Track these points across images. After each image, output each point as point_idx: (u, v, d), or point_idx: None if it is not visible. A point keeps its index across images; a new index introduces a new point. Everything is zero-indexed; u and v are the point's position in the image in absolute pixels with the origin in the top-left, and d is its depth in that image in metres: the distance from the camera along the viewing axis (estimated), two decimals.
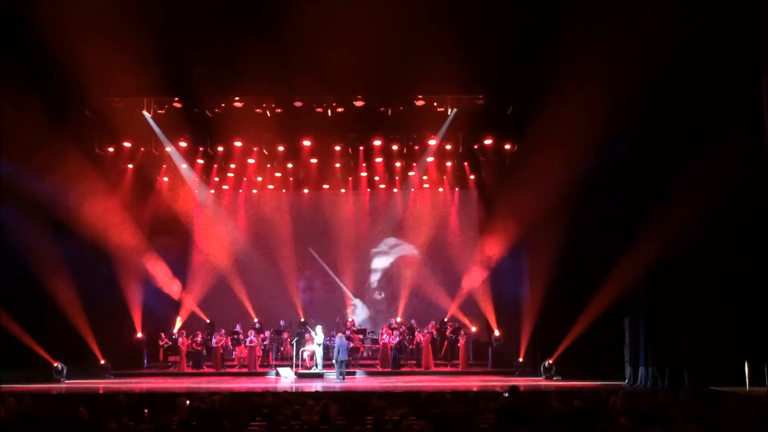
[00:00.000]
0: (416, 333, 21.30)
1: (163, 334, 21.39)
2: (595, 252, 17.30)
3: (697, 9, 13.32)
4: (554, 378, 18.25)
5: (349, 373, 19.18)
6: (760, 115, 13.99)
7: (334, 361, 18.81)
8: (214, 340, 20.81)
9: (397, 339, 20.69)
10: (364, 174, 22.79)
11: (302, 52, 15.27)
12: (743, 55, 14.10)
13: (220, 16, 15.08)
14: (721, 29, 13.80)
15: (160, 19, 14.86)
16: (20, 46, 15.27)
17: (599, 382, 16.79)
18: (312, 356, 20.12)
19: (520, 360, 19.73)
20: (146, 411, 10.69)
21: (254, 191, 24.25)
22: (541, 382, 18.00)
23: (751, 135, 14.18)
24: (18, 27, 14.75)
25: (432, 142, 20.32)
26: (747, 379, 14.86)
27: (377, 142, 20.49)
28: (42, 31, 14.26)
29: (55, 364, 18.35)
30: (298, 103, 18.38)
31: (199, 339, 20.93)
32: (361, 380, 19.10)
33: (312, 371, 19.34)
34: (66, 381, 18.18)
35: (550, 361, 18.53)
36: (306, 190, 24.36)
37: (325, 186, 23.81)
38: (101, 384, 17.79)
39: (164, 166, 21.75)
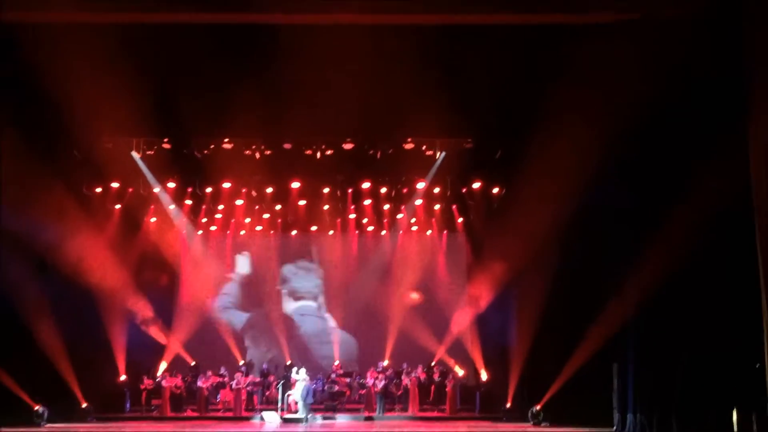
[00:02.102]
0: (403, 377, 21.08)
1: (144, 377, 21.04)
2: (584, 296, 17.24)
3: (685, 51, 13.49)
4: (542, 424, 18.04)
5: (330, 418, 18.95)
6: (745, 154, 14.04)
7: (301, 404, 18.68)
8: (199, 382, 20.54)
9: (383, 383, 20.46)
10: (352, 216, 22.79)
11: (292, 94, 15.37)
12: (730, 95, 14.24)
13: (210, 57, 15.13)
14: (707, 73, 13.96)
15: (150, 60, 14.91)
16: (8, 85, 15.25)
17: (588, 429, 16.64)
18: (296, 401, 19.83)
19: (508, 405, 19.53)
20: None
21: (242, 232, 24.16)
22: (529, 428, 17.81)
23: (738, 176, 14.22)
24: (7, 65, 14.74)
25: (420, 185, 20.41)
26: (735, 427, 14.72)
27: (366, 185, 20.57)
28: (31, 70, 14.26)
29: (36, 407, 17.97)
30: (287, 145, 18.48)
31: (179, 382, 20.65)
32: (344, 426, 18.83)
33: (297, 416, 19.05)
34: (47, 425, 17.81)
35: (538, 407, 18.33)
36: (294, 232, 24.29)
37: (314, 228, 23.76)
38: (82, 428, 17.46)
39: (152, 206, 21.68)
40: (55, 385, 18.63)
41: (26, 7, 13.46)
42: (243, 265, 24.27)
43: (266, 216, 22.94)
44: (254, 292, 23.97)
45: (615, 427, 16.71)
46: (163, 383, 20.44)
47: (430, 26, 14.43)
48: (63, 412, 18.67)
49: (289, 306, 24.23)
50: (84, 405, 19.24)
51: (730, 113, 13.83)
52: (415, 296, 21.95)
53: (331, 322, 24.06)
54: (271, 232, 23.96)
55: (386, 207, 22.26)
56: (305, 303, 24.23)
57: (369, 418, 19.76)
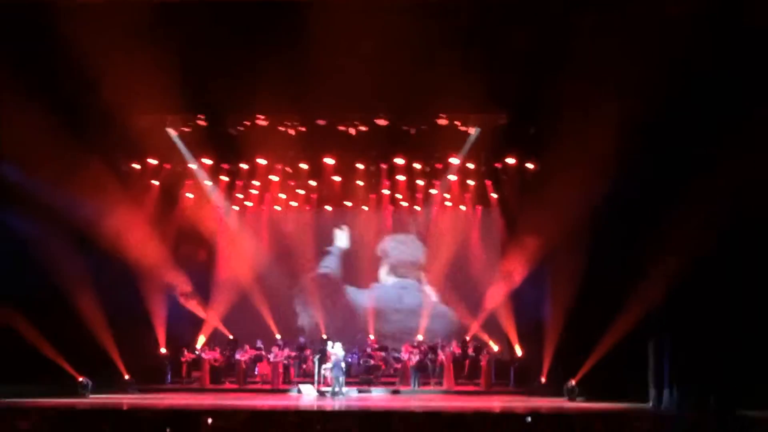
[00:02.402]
0: (438, 352, 21.21)
1: (185, 350, 21.48)
2: (619, 271, 17.14)
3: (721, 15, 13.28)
4: (577, 399, 18.05)
5: (365, 391, 19.23)
6: None
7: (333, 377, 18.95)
8: (237, 356, 20.92)
9: (418, 357, 20.62)
10: (386, 192, 22.84)
11: (325, 70, 15.39)
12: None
13: (245, 34, 15.23)
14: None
15: (184, 38, 15.03)
16: (46, 64, 15.50)
17: (623, 404, 16.60)
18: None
19: (543, 380, 19.57)
20: (169, 430, 10.74)
21: (277, 208, 24.35)
22: (564, 403, 17.80)
23: None
24: (46, 45, 14.98)
25: (454, 161, 20.33)
26: None
27: (399, 161, 20.55)
28: (68, 49, 14.48)
29: (80, 379, 18.46)
30: (321, 122, 18.53)
31: (218, 355, 21.04)
32: (380, 399, 19.05)
33: (333, 389, 19.28)
34: (91, 396, 18.30)
35: (573, 382, 18.33)
36: (329, 207, 24.43)
37: (348, 203, 23.86)
38: (125, 399, 17.90)
39: (188, 182, 21.95)
40: (98, 358, 19.13)
41: None
42: (342, 238, 24.48)
43: (301, 192, 23.07)
44: (289, 266, 24.16)
45: (651, 403, 16.66)
46: (203, 356, 20.85)
47: (466, 1, 14.34)
48: (106, 383, 19.15)
49: (389, 279, 24.40)
50: (126, 377, 19.74)
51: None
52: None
53: (432, 296, 24.11)
54: (306, 207, 24.07)
55: (420, 183, 22.24)
56: (405, 278, 24.37)
57: (396, 392, 19.95)
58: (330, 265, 24.31)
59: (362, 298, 24.05)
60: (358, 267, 24.10)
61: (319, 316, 23.68)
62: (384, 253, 24.30)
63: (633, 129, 14.95)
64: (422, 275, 24.09)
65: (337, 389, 18.72)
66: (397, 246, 24.39)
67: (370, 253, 24.14)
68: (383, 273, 24.23)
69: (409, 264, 24.31)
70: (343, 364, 19.35)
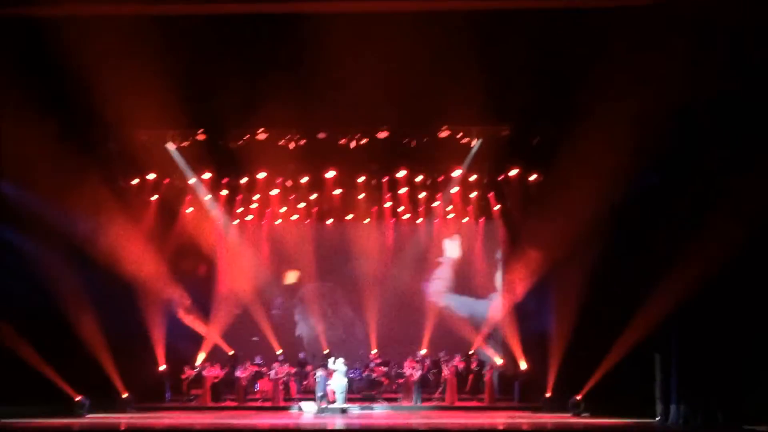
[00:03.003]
0: (441, 366, 20.94)
1: (186, 367, 21.21)
2: (624, 285, 16.94)
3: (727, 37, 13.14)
4: (583, 415, 17.78)
5: (368, 408, 19.10)
6: None
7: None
8: (237, 372, 20.66)
9: (420, 372, 20.36)
10: (388, 205, 22.67)
11: (325, 83, 15.31)
12: None
13: (243, 48, 15.14)
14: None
15: (183, 52, 14.94)
16: (44, 79, 15.37)
17: (630, 420, 16.36)
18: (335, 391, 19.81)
19: (548, 395, 19.30)
20: None
21: (278, 222, 24.16)
22: (569, 419, 17.56)
23: None
24: (44, 59, 14.87)
25: (456, 173, 20.18)
26: None
27: (401, 173, 20.41)
28: (68, 64, 14.36)
29: (77, 398, 18.19)
30: (321, 135, 18.38)
31: (219, 372, 20.80)
32: (382, 416, 18.78)
33: (335, 406, 19.02)
34: (88, 415, 18.01)
35: (579, 397, 18.07)
36: (330, 221, 24.24)
37: (349, 217, 23.67)
38: (123, 419, 17.63)
39: (188, 197, 21.78)
40: (96, 376, 18.82)
41: (60, 1, 13.58)
42: (452, 249, 24.23)
43: (301, 205, 22.89)
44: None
45: (658, 418, 16.41)
46: (204, 373, 20.60)
47: (465, 12, 14.22)
48: (103, 402, 18.86)
49: None
50: (124, 395, 19.44)
51: None
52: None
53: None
54: (307, 221, 23.89)
55: (422, 195, 22.05)
56: None
57: (407, 408, 19.66)
58: (442, 275, 23.95)
59: (481, 308, 23.61)
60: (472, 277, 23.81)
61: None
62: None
63: (638, 140, 14.78)
64: None
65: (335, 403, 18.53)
66: None
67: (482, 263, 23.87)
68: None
69: None
70: (345, 380, 19.16)
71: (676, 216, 15.77)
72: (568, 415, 17.99)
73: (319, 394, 19.03)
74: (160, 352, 21.01)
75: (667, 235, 15.92)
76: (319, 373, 19.37)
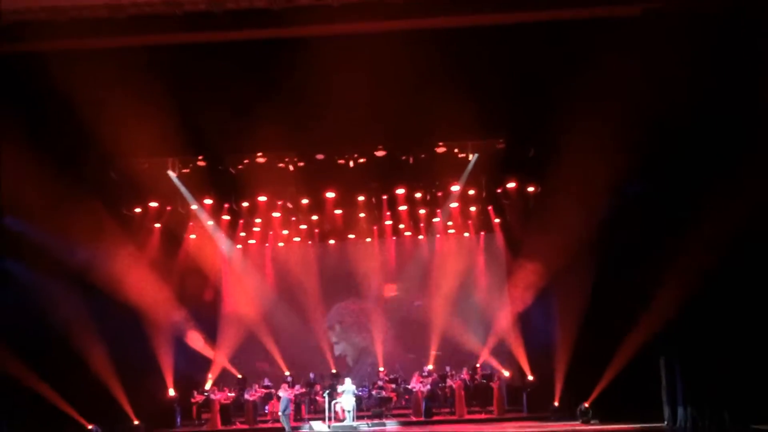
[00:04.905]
0: (448, 380, 21.03)
1: (195, 392, 21.32)
2: (627, 291, 17.07)
3: (713, 51, 13.36)
4: (591, 422, 17.86)
5: (378, 424, 19.20)
6: None
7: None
8: (247, 395, 20.75)
9: (428, 387, 20.44)
10: (388, 222, 22.86)
11: (321, 105, 15.40)
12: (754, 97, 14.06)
13: (238, 73, 15.31)
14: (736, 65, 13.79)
15: (179, 80, 15.10)
16: (43, 111, 15.59)
17: (638, 425, 16.43)
18: (344, 409, 19.89)
19: (556, 404, 19.38)
20: None
21: (280, 244, 24.35)
22: (578, 426, 17.63)
23: None
24: (39, 90, 15.07)
25: (455, 188, 20.36)
26: None
27: (400, 191, 20.59)
28: (64, 94, 14.53)
29: (90, 427, 18.27)
30: (319, 156, 18.55)
31: (227, 395, 20.91)
32: (393, 431, 18.85)
33: (345, 424, 19.11)
34: None
35: (587, 405, 18.15)
36: (332, 241, 24.43)
37: (351, 236, 23.85)
38: None
39: (191, 223, 21.98)
40: (106, 404, 18.91)
41: (54, 36, 13.84)
42: None
43: (303, 227, 23.10)
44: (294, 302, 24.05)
45: (666, 422, 16.48)
46: (212, 396, 20.69)
47: (455, 29, 14.43)
48: (115, 430, 18.95)
49: None
50: (136, 422, 19.51)
51: (758, 106, 13.67)
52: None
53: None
54: (309, 242, 24.09)
55: (422, 212, 22.23)
56: None
57: (417, 423, 19.72)
58: None
59: (486, 320, 23.60)
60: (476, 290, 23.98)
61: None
62: None
63: (632, 149, 14.96)
64: None
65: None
66: None
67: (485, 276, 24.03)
68: None
69: None
70: (354, 398, 19.27)
71: (675, 220, 15.91)
72: (577, 423, 18.08)
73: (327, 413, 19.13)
74: (169, 378, 21.10)
75: (666, 240, 16.05)
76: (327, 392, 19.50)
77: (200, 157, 18.62)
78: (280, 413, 18.88)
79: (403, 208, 21.68)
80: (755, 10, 13.29)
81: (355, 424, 19.04)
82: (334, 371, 23.02)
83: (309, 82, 14.71)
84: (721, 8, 13.62)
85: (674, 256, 15.48)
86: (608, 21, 14.16)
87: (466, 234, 23.89)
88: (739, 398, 15.09)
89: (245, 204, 21.03)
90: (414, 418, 20.23)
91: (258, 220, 22.33)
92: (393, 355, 23.77)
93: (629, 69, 13.94)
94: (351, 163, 18.76)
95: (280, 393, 19.25)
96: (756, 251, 14.62)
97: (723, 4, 13.59)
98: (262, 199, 20.67)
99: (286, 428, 18.65)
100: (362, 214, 22.18)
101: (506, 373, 21.74)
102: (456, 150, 18.67)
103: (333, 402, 19.65)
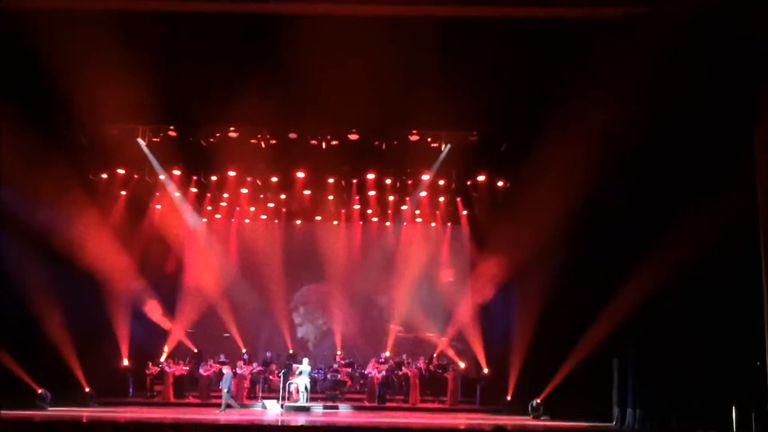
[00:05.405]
0: (404, 368, 21.16)
1: (150, 363, 21.17)
2: (586, 290, 17.27)
3: (692, 53, 13.48)
4: (542, 418, 18.10)
5: (331, 407, 19.22)
6: (752, 161, 14.04)
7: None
8: (201, 370, 20.67)
9: (384, 373, 20.55)
10: (357, 207, 22.85)
11: (298, 84, 15.24)
12: (737, 101, 14.21)
13: (218, 46, 15.09)
14: (717, 77, 13.95)
15: (157, 48, 14.86)
16: (15, 72, 15.25)
17: (587, 423, 16.68)
18: (298, 389, 19.94)
19: (508, 398, 19.61)
20: None
21: (246, 221, 24.22)
22: (528, 421, 17.86)
23: (745, 178, 14.21)
24: (13, 51, 14.74)
25: (425, 177, 20.41)
26: (734, 424, 14.76)
27: (371, 176, 20.57)
28: (38, 58, 14.25)
29: (39, 391, 18.07)
30: (292, 135, 18.43)
31: (182, 368, 20.80)
32: (345, 415, 18.93)
33: (298, 404, 19.14)
34: (50, 408, 17.90)
35: (538, 400, 18.38)
36: (299, 222, 24.36)
37: (318, 218, 23.81)
38: (85, 412, 17.56)
39: (157, 193, 21.74)
40: (58, 369, 18.72)
41: None
42: None
43: (271, 205, 22.99)
44: (257, 280, 23.98)
45: (614, 422, 16.75)
46: (167, 369, 20.57)
47: (437, 18, 14.32)
48: (66, 396, 18.74)
49: None
50: (87, 389, 19.33)
51: (737, 113, 13.84)
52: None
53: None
54: (276, 221, 24.00)
55: (391, 198, 22.26)
56: None
57: (370, 409, 19.82)
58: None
59: (445, 311, 23.72)
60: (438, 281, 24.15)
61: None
62: None
63: (605, 147, 15.11)
64: None
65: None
66: None
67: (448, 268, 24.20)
68: None
69: None
70: (309, 379, 19.33)
71: (635, 224, 16.12)
72: (528, 417, 18.29)
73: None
74: (124, 348, 20.94)
75: (627, 242, 16.26)
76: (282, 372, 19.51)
77: (171, 128, 18.39)
78: (223, 389, 18.83)
79: (372, 193, 21.68)
80: (737, 13, 13.38)
81: (308, 405, 19.09)
82: (291, 351, 23.02)
83: (289, 60, 14.55)
84: (689, 10, 13.71)
85: (636, 259, 15.68)
86: (593, 20, 14.20)
87: (433, 224, 23.98)
88: (688, 404, 15.36)
89: (214, 178, 20.86)
90: (367, 404, 20.33)
91: (226, 195, 22.17)
92: (353, 339, 23.81)
93: (609, 68, 14.02)
94: (323, 145, 18.67)
95: (224, 370, 19.21)
96: (714, 260, 14.84)
97: (691, 5, 13.67)
98: (232, 174, 20.53)
99: (222, 404, 18.59)
100: (331, 197, 22.14)
101: (462, 365, 21.92)
102: (429, 139, 18.69)
103: (288, 382, 19.68)
